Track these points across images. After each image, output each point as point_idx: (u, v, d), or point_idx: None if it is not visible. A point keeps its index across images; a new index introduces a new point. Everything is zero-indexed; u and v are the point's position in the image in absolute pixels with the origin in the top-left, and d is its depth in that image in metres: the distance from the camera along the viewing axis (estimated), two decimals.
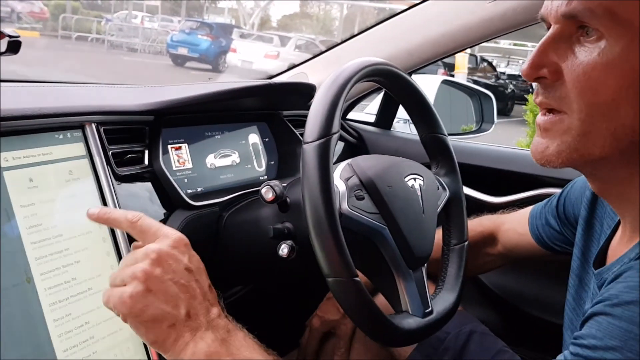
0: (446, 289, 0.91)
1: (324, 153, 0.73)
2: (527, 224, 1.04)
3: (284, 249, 0.83)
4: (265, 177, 1.18)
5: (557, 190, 1.25)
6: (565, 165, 0.63)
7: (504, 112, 14.47)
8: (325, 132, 0.73)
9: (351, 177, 0.81)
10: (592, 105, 0.58)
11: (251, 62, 13.72)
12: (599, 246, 0.77)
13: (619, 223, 0.75)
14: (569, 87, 0.59)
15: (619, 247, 0.71)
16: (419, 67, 1.31)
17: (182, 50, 15.97)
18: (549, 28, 0.63)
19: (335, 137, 0.75)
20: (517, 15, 1.11)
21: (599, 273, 0.70)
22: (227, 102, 1.05)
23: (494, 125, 1.60)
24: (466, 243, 0.96)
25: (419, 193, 0.86)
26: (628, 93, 0.57)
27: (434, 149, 0.97)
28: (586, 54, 0.58)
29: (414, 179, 0.87)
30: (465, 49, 1.27)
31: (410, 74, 1.36)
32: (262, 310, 1.20)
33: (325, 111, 0.75)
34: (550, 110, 0.62)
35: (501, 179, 1.35)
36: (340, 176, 0.82)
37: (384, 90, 1.15)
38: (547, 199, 1.03)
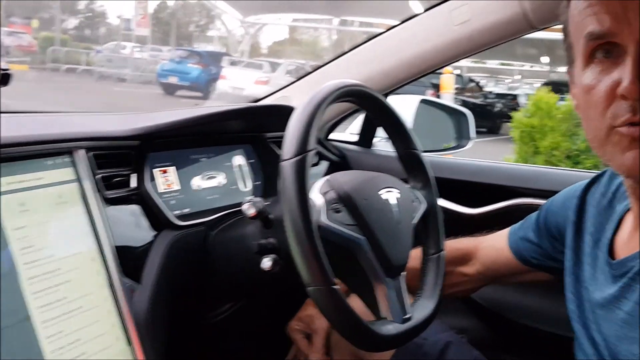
0: (425, 297, 0.95)
1: (300, 169, 0.78)
2: (505, 239, 1.07)
3: (267, 263, 0.87)
4: (252, 197, 1.22)
5: (530, 200, 1.32)
6: None
7: (492, 131, 14.65)
8: (301, 149, 0.79)
9: (329, 191, 0.86)
10: None
11: (242, 89, 13.85)
12: (603, 239, 0.81)
13: (620, 221, 0.80)
14: None
15: (634, 239, 0.75)
16: (396, 87, 1.37)
17: (172, 79, 16.13)
18: (592, 49, 0.67)
19: (311, 154, 0.80)
20: (482, 37, 1.18)
21: (621, 262, 0.74)
22: (211, 125, 1.10)
23: (471, 142, 1.66)
24: (443, 252, 1.00)
25: (395, 205, 0.90)
26: None
27: (410, 164, 1.02)
28: None
29: (389, 191, 0.92)
30: (438, 69, 1.33)
31: (388, 94, 1.42)
32: (254, 326, 1.23)
33: (301, 130, 0.80)
34: None
35: (477, 191, 1.40)
36: (319, 191, 0.86)
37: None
38: (525, 218, 1.06)
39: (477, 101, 15.16)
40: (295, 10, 22.30)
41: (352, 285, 0.91)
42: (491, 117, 15.39)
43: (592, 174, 0.94)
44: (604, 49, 0.66)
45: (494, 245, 1.10)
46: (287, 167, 0.78)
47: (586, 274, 0.84)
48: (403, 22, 1.30)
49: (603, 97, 0.66)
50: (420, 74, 1.31)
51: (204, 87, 15.82)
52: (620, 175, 0.69)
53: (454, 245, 1.13)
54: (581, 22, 0.68)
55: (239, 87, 14.13)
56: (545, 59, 26.92)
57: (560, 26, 0.75)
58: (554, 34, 0.74)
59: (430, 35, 1.24)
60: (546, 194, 1.31)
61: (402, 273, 0.91)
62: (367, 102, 0.96)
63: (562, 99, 5.41)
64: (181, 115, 1.04)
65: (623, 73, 0.63)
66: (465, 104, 13.60)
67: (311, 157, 0.80)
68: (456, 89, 12.73)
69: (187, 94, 15.62)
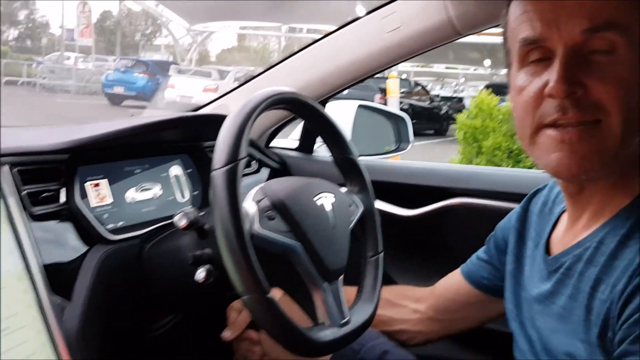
0: (363, 300, 0.96)
1: (231, 178, 0.78)
2: (460, 268, 1.10)
3: (200, 274, 0.86)
4: (190, 207, 1.21)
5: (464, 200, 1.36)
6: (600, 172, 0.69)
7: (439, 132, 14.98)
8: (232, 158, 0.79)
9: (262, 199, 0.86)
10: (626, 109, 0.66)
11: (190, 97, 13.68)
12: (542, 241, 0.84)
13: (556, 222, 0.84)
14: (602, 97, 0.66)
15: (568, 236, 0.78)
16: (335, 93, 1.39)
17: (118, 89, 15.81)
18: (524, 52, 0.71)
19: (242, 162, 0.80)
20: (412, 43, 1.21)
21: (555, 258, 0.78)
22: (144, 136, 1.08)
23: (410, 145, 1.70)
24: (381, 254, 1.01)
25: (330, 210, 0.91)
26: None
27: (346, 169, 1.03)
28: (608, 66, 0.66)
29: (324, 197, 0.93)
30: (374, 74, 1.35)
31: (327, 99, 1.43)
32: (196, 337, 1.21)
33: (232, 138, 0.80)
34: (579, 123, 0.67)
35: (413, 193, 1.43)
36: (252, 199, 0.87)
37: None
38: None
39: (424, 104, 15.45)
40: (243, 18, 22.20)
41: (289, 291, 0.92)
42: (438, 119, 15.73)
43: (520, 172, 0.98)
44: (536, 52, 0.70)
45: (449, 276, 1.12)
46: (217, 176, 0.78)
47: (526, 275, 0.87)
48: (337, 29, 1.32)
49: (532, 97, 0.70)
50: (356, 80, 1.33)
51: (150, 96, 15.55)
52: (548, 173, 0.72)
53: (410, 288, 1.15)
54: (516, 28, 0.72)
55: (187, 95, 13.96)
56: (487, 62, 27.71)
57: (500, 30, 0.79)
58: (495, 39, 0.78)
59: (363, 42, 1.26)
60: (479, 193, 1.36)
61: (339, 277, 0.92)
62: (301, 109, 0.97)
63: (502, 101, 5.58)
64: (112, 127, 1.02)
65: (551, 74, 0.67)
66: (412, 107, 13.89)
67: (242, 166, 0.80)
68: (403, 92, 12.97)
69: (133, 104, 15.30)
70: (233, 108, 1.38)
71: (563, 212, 0.84)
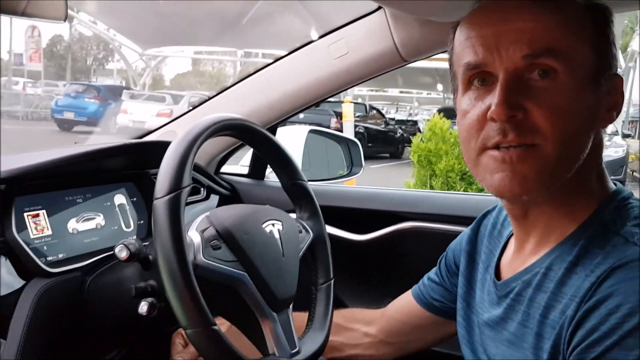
0: (314, 328, 0.95)
1: (174, 207, 0.76)
2: (411, 290, 1.09)
3: (143, 307, 0.83)
4: (135, 237, 1.17)
5: (414, 224, 1.37)
6: (541, 193, 0.70)
7: (395, 155, 15.19)
8: (175, 186, 0.77)
9: (207, 228, 0.84)
10: (563, 134, 0.67)
11: (143, 122, 13.46)
12: (492, 264, 0.85)
13: (505, 245, 0.84)
14: (540, 121, 0.67)
15: (516, 261, 0.79)
16: (283, 119, 1.39)
17: (69, 115, 15.43)
18: (473, 76, 0.72)
19: (185, 191, 0.78)
20: (360, 69, 1.23)
21: (504, 283, 0.78)
22: (85, 165, 1.05)
23: (362, 169, 1.71)
24: (332, 281, 1.00)
25: (278, 237, 0.90)
26: (582, 123, 0.68)
27: (296, 195, 1.02)
28: (547, 91, 0.67)
29: (273, 224, 0.91)
30: (324, 100, 1.36)
31: (276, 125, 1.43)
32: None
33: (175, 166, 0.78)
34: (519, 145, 0.68)
35: (364, 217, 1.44)
36: (196, 228, 0.84)
37: None
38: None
39: (380, 128, 15.64)
40: (196, 43, 22.15)
41: (237, 322, 0.89)
42: (394, 142, 15.95)
43: (469, 195, 0.99)
44: (479, 77, 0.72)
45: (400, 298, 1.11)
46: (159, 205, 0.76)
47: (477, 299, 0.87)
48: (286, 56, 1.32)
49: (476, 120, 0.71)
50: (305, 106, 1.34)
51: (101, 122, 15.23)
52: (492, 194, 0.73)
53: (360, 311, 1.14)
54: (461, 53, 0.74)
55: (140, 120, 13.75)
56: (440, 87, 28.42)
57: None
58: (446, 64, 0.79)
59: (311, 68, 1.27)
60: (428, 217, 1.37)
61: (289, 306, 0.90)
62: (247, 135, 0.96)
63: (454, 124, 5.71)
64: (51, 156, 0.98)
65: (493, 98, 0.68)
66: (368, 130, 14.05)
67: (186, 194, 0.78)
68: (359, 116, 13.14)
69: (84, 130, 14.96)
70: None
71: (511, 235, 0.85)
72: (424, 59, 1.24)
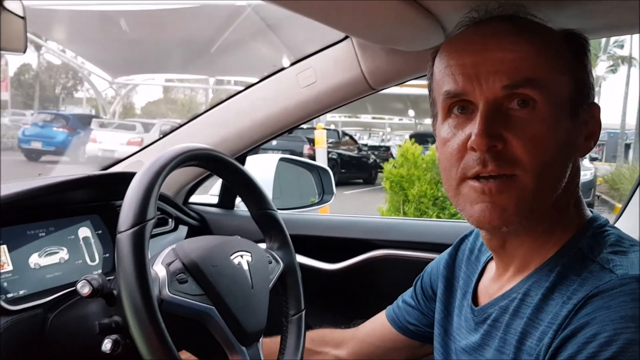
0: None
1: (138, 241, 0.74)
2: (384, 312, 1.08)
3: (107, 344, 0.80)
4: (100, 271, 1.14)
5: (386, 252, 1.36)
6: (520, 224, 0.69)
7: (368, 181, 15.27)
8: (139, 219, 0.75)
9: (173, 261, 0.82)
10: (541, 165, 0.67)
11: (113, 151, 13.30)
12: (469, 290, 0.84)
13: (483, 270, 0.84)
14: (519, 152, 0.67)
15: (494, 286, 0.79)
16: (253, 148, 1.38)
17: (36, 145, 15.17)
18: (452, 105, 0.72)
19: (150, 223, 0.76)
20: (328, 98, 1.23)
21: (482, 309, 0.78)
22: (47, 197, 1.02)
23: (333, 196, 1.70)
24: (303, 312, 0.99)
25: (247, 269, 0.88)
26: (560, 153, 0.69)
27: (265, 224, 1.01)
28: (527, 122, 0.67)
29: (241, 255, 0.90)
30: (293, 129, 1.36)
31: (246, 154, 1.42)
32: None
33: (139, 198, 0.76)
34: (498, 176, 0.68)
35: (336, 246, 1.43)
36: (162, 262, 0.82)
37: None
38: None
39: (353, 154, 15.73)
40: (168, 71, 22.10)
41: (205, 357, 0.87)
42: (367, 168, 16.04)
43: (441, 222, 0.99)
44: (459, 105, 0.72)
45: (373, 320, 1.10)
46: (123, 239, 0.74)
47: (454, 326, 0.86)
48: (254, 84, 1.32)
49: (456, 149, 0.71)
50: (274, 134, 1.33)
51: (70, 151, 15.00)
52: (472, 225, 0.73)
53: (330, 332, 1.12)
54: (440, 80, 0.74)
55: (109, 149, 13.59)
56: (411, 112, 28.84)
57: (421, 82, 0.81)
58: (417, 90, 0.80)
59: (279, 97, 1.27)
60: (400, 244, 1.37)
61: (258, 339, 0.88)
62: (214, 165, 0.95)
63: (426, 149, 5.78)
64: (13, 189, 0.96)
65: (473, 128, 0.68)
66: (341, 156, 14.11)
67: (150, 227, 0.76)
68: (332, 142, 13.20)
69: (52, 159, 14.70)
70: None
71: (489, 260, 0.85)
72: (393, 86, 1.26)
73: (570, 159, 0.72)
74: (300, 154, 11.39)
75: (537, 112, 0.68)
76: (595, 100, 0.76)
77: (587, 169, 11.09)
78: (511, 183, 0.68)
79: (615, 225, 0.77)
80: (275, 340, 0.98)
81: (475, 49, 0.71)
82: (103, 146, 14.16)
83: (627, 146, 21.00)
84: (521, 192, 0.68)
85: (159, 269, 0.80)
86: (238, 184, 0.98)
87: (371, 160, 16.48)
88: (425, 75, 1.16)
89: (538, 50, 0.70)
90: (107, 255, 1.17)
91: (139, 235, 0.74)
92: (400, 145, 6.01)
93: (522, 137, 0.67)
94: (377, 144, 23.56)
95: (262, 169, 1.52)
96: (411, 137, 10.13)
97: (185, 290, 0.80)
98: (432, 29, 0.96)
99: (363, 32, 1.05)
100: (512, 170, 0.68)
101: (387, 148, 20.56)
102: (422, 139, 11.64)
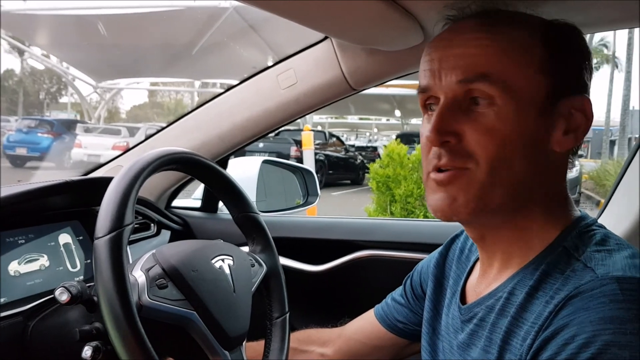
0: None
1: (115, 247, 0.73)
2: (373, 310, 1.07)
3: (87, 352, 0.79)
4: (82, 277, 1.13)
5: (370, 252, 1.36)
6: (470, 217, 0.71)
7: (356, 182, 15.29)
8: (117, 225, 0.74)
9: (153, 266, 0.82)
10: (494, 159, 0.68)
11: (98, 156, 13.19)
12: (459, 289, 0.84)
13: (471, 269, 0.84)
14: (473, 146, 0.68)
15: (481, 285, 0.79)
16: (234, 150, 1.37)
17: (21, 151, 15.05)
18: (425, 100, 0.74)
19: (128, 229, 0.75)
20: (309, 99, 1.23)
21: (468, 308, 0.78)
22: (26, 204, 1.01)
23: (318, 198, 1.70)
24: (287, 315, 0.98)
25: (229, 273, 0.88)
26: (521, 148, 0.68)
27: (247, 228, 1.00)
28: (483, 117, 0.68)
29: (222, 259, 0.89)
30: (274, 130, 1.35)
31: (228, 156, 1.41)
32: None
33: (117, 204, 0.76)
34: (451, 168, 0.69)
35: (320, 248, 1.43)
36: (141, 267, 0.81)
37: None
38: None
39: (340, 155, 15.74)
40: (152, 74, 21.97)
41: None
42: (354, 169, 16.06)
43: (425, 222, 0.99)
44: (431, 101, 0.74)
45: (360, 318, 1.09)
46: (100, 245, 0.73)
47: (442, 324, 0.86)
48: (234, 87, 1.31)
49: (425, 143, 0.73)
50: (256, 137, 1.32)
51: (55, 156, 14.88)
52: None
53: (315, 331, 1.12)
54: (419, 77, 0.76)
55: (94, 154, 13.49)
56: (398, 113, 28.93)
57: (409, 82, 0.82)
58: (403, 90, 0.80)
59: (260, 99, 1.27)
60: (385, 244, 1.37)
61: (242, 343, 0.88)
62: (194, 168, 0.94)
63: (412, 149, 5.80)
64: None
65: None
66: (328, 157, 14.12)
67: (128, 233, 0.76)
68: (319, 144, 13.21)
69: (37, 165, 14.57)
70: None
71: (478, 260, 0.85)
72: (376, 87, 1.26)
73: (537, 154, 0.70)
74: (288, 156, 11.39)
75: (494, 108, 0.68)
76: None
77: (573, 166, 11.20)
78: (462, 175, 0.69)
79: (598, 220, 0.77)
80: (260, 343, 0.98)
81: (442, 45, 0.73)
82: (88, 151, 14.05)
83: (612, 143, 21.25)
84: (471, 185, 0.69)
85: (138, 275, 0.79)
86: (219, 187, 0.98)
87: (358, 161, 16.50)
88: (407, 75, 1.18)
89: (500, 47, 0.70)
90: (89, 261, 1.15)
91: (116, 241, 0.73)
92: (386, 146, 6.03)
93: (476, 131, 0.68)
94: (364, 144, 23.59)
95: (245, 171, 1.52)
96: (397, 137, 10.17)
97: (165, 295, 0.79)
98: (411, 28, 0.96)
99: (342, 32, 1.05)
100: (465, 164, 0.69)
101: (375, 148, 20.60)
102: (409, 139, 11.68)
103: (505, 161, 0.69)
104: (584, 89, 0.74)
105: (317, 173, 1.81)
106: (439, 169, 0.71)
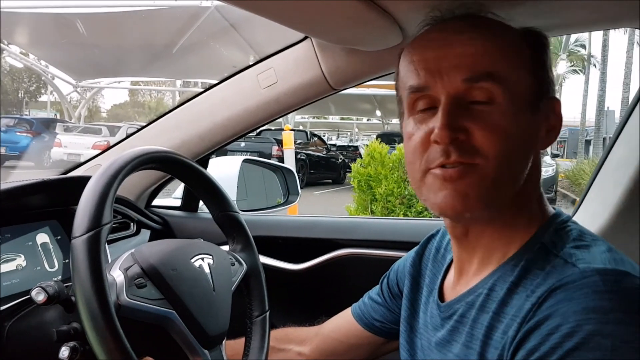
0: None
1: (93, 246, 0.73)
2: (350, 308, 1.08)
3: (64, 352, 0.79)
4: (60, 277, 1.12)
5: (350, 251, 1.37)
6: (483, 212, 0.71)
7: (337, 181, 15.34)
8: (94, 224, 0.74)
9: (132, 266, 0.81)
10: (502, 155, 0.69)
11: (78, 155, 13.04)
12: (435, 287, 0.85)
13: (448, 267, 0.85)
14: (481, 142, 0.68)
15: (459, 283, 0.80)
16: (214, 150, 1.37)
17: None
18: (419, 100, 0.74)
19: (106, 228, 0.75)
20: (289, 98, 1.23)
21: (448, 305, 0.78)
22: (2, 204, 0.99)
23: (299, 197, 1.70)
24: (267, 313, 0.98)
25: (208, 272, 0.88)
26: (521, 145, 0.70)
27: (227, 226, 1.00)
28: (487, 114, 0.69)
29: (202, 258, 0.89)
30: (255, 130, 1.35)
31: (208, 156, 1.41)
32: None
33: (94, 203, 0.75)
34: (460, 164, 0.69)
35: (300, 246, 1.43)
36: (119, 267, 0.81)
37: None
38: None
39: (322, 154, 15.76)
40: (132, 74, 21.74)
41: None
42: (335, 168, 16.09)
43: (405, 221, 0.99)
44: (423, 101, 0.74)
45: (338, 316, 1.10)
46: (78, 245, 0.72)
47: (420, 323, 0.87)
48: (214, 86, 1.31)
49: (419, 143, 0.73)
50: (236, 136, 1.32)
51: (35, 156, 14.69)
52: (435, 213, 0.74)
53: (293, 330, 1.12)
54: (405, 76, 0.76)
55: (75, 153, 13.34)
56: (378, 113, 29.03)
57: (389, 82, 0.82)
58: (384, 91, 0.81)
59: (240, 98, 1.26)
60: (365, 243, 1.38)
61: (222, 342, 0.88)
62: (173, 167, 0.94)
63: (393, 149, 5.82)
64: None
65: (436, 121, 0.70)
66: (310, 157, 14.12)
67: (106, 232, 0.75)
68: (300, 143, 13.20)
69: (16, 164, 14.36)
70: None
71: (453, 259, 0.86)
72: (356, 87, 1.27)
73: (532, 152, 0.74)
74: (269, 155, 11.37)
75: (497, 105, 0.70)
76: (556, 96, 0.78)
77: (549, 165, 11.33)
78: (472, 170, 0.69)
79: (573, 217, 0.78)
80: (240, 342, 0.98)
81: (437, 44, 0.73)
82: (68, 150, 13.91)
83: (588, 142, 21.56)
84: (482, 179, 0.69)
85: (116, 274, 0.79)
86: (198, 186, 0.98)
87: (340, 160, 16.54)
88: (386, 75, 1.19)
89: (498, 46, 0.72)
90: (67, 261, 1.14)
91: (94, 240, 0.73)
92: (367, 145, 6.05)
93: (483, 127, 0.69)
94: (345, 144, 23.64)
95: (225, 171, 1.51)
96: (378, 136, 10.20)
97: (144, 294, 0.79)
98: (390, 28, 0.97)
99: (321, 32, 1.05)
100: (474, 160, 0.69)
101: (356, 148, 20.67)
102: (389, 138, 11.73)
103: (511, 157, 0.70)
104: (554, 91, 0.77)
105: (298, 172, 1.82)
106: (442, 166, 0.71)
